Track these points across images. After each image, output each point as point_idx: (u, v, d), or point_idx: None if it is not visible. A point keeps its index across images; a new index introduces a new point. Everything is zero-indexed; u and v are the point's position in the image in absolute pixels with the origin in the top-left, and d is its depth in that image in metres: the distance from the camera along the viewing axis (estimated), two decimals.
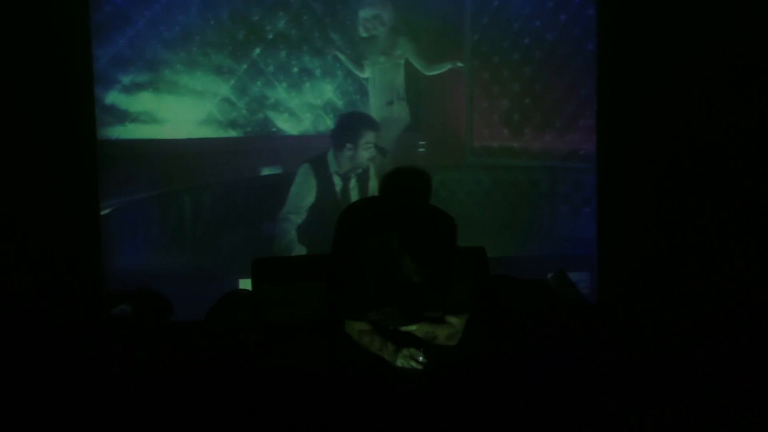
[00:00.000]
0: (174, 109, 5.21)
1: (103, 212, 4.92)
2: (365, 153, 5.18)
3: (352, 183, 5.24)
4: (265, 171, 5.39)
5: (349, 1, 5.39)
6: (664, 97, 4.82)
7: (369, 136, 5.17)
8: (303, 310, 3.44)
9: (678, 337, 3.01)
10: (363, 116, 5.33)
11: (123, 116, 5.10)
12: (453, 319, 3.26)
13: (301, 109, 5.38)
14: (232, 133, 5.32)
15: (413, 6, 5.42)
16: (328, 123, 5.37)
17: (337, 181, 5.22)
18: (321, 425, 2.87)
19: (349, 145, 5.18)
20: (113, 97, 5.09)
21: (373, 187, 5.22)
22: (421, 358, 3.03)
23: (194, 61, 5.20)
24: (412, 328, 3.20)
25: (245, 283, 4.26)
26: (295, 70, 5.34)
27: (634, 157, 4.92)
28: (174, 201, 5.16)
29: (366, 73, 5.45)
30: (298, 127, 5.40)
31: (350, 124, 5.26)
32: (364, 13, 5.40)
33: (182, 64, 5.19)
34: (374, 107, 5.44)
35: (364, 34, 5.41)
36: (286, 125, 5.38)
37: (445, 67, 5.49)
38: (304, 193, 5.23)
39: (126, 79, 5.10)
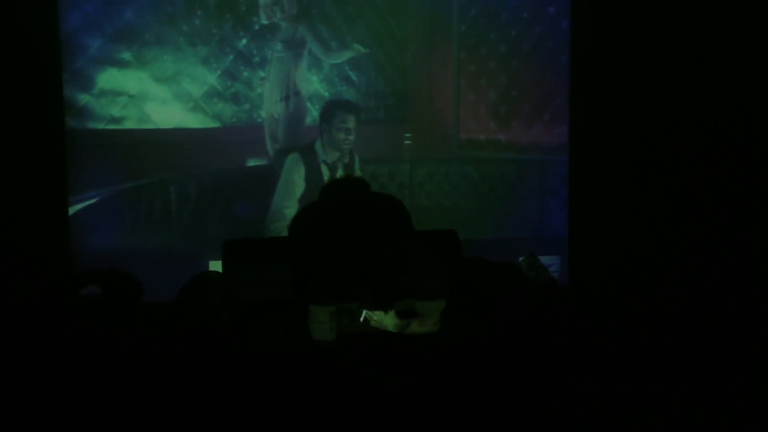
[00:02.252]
0: (160, 99, 5.19)
1: (77, 200, 4.90)
2: (340, 134, 5.14)
3: (339, 172, 5.23)
4: (251, 162, 5.37)
5: None
6: (636, 88, 4.95)
7: (341, 116, 5.15)
8: (274, 290, 3.42)
9: (648, 319, 3.00)
10: (342, 102, 5.29)
11: (106, 105, 5.09)
12: (426, 305, 3.24)
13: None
14: (218, 124, 5.30)
15: None
16: (314, 114, 5.34)
17: (325, 171, 5.20)
18: (294, 404, 2.86)
19: (325, 128, 5.16)
20: (101, 83, 5.08)
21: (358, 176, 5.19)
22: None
23: (181, 51, 5.18)
24: (384, 319, 3.21)
25: (215, 265, 4.25)
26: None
27: (605, 145, 5.02)
28: (155, 191, 5.15)
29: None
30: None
31: (324, 108, 5.26)
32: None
33: (168, 54, 5.18)
34: (268, 101, 5.34)
35: (264, 21, 5.30)
36: None
37: (346, 56, 5.40)
38: (293, 183, 5.21)
39: (113, 69, 5.09)
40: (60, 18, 4.86)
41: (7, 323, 3.12)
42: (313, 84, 5.37)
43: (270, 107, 5.33)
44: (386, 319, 3.26)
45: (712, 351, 2.79)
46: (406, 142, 5.50)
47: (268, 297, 3.45)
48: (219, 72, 5.26)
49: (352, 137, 5.18)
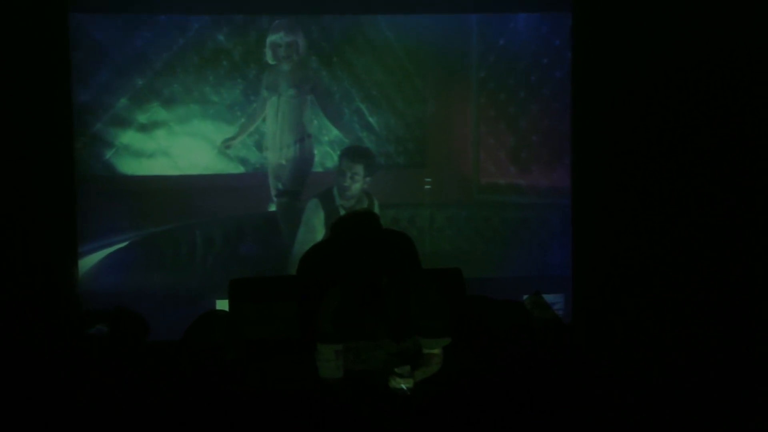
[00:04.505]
0: (185, 145, 5.32)
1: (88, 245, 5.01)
2: (345, 181, 5.20)
3: None
4: (272, 207, 5.45)
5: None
6: (636, 126, 4.88)
7: (356, 168, 5.20)
8: (280, 329, 3.44)
9: (653, 357, 2.95)
10: (350, 149, 5.35)
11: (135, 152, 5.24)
12: (430, 342, 3.23)
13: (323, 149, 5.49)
14: (242, 169, 5.39)
15: (420, 43, 5.47)
16: (335, 159, 5.41)
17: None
18: None
19: (341, 179, 5.23)
20: (128, 136, 5.23)
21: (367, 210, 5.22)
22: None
23: (207, 100, 5.31)
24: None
25: (222, 304, 4.28)
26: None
27: (606, 183, 4.97)
28: (171, 238, 5.26)
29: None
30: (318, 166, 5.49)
31: (341, 158, 5.31)
32: (275, 38, 5.30)
33: (195, 102, 5.31)
34: (281, 143, 5.39)
35: (272, 61, 5.35)
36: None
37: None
38: (313, 228, 5.26)
39: (143, 118, 5.23)
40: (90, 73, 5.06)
41: (14, 361, 3.16)
42: (333, 130, 5.45)
43: (278, 151, 5.38)
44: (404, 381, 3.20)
45: (722, 391, 2.72)
46: (426, 186, 5.53)
47: (274, 335, 3.45)
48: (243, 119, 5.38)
49: (357, 185, 5.22)
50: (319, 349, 3.21)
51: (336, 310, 3.22)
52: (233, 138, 5.33)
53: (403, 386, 3.05)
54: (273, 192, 5.41)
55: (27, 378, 3.07)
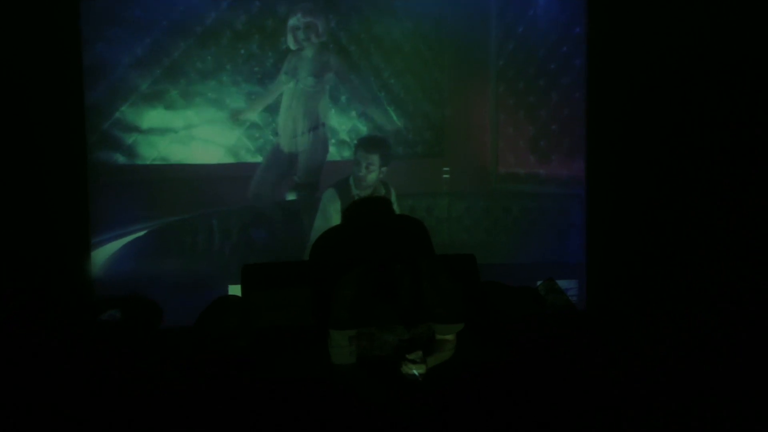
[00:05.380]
0: (205, 135, 5.31)
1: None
2: (372, 175, 5.17)
3: None
4: (290, 196, 5.43)
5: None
6: (653, 114, 4.94)
7: (371, 158, 5.17)
8: (293, 315, 3.42)
9: (666, 343, 2.91)
10: (365, 139, 5.34)
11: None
12: (444, 328, 3.20)
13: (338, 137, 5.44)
14: (259, 159, 5.39)
15: (438, 32, 5.43)
16: (352, 148, 5.39)
17: None
18: (312, 430, 2.83)
19: (356, 168, 5.21)
20: (147, 123, 5.24)
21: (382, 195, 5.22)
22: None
23: (224, 90, 5.31)
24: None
25: (234, 289, 4.28)
26: (343, 99, 5.42)
27: (621, 170, 5.01)
28: (188, 227, 5.26)
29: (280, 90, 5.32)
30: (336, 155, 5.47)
31: (357, 148, 5.30)
32: (293, 21, 5.24)
33: (213, 92, 5.31)
34: (297, 132, 5.35)
35: (293, 46, 5.30)
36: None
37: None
38: (329, 217, 5.24)
39: (159, 107, 5.24)
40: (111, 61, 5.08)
41: (28, 348, 3.17)
42: (352, 119, 5.42)
43: (290, 139, 5.36)
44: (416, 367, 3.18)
45: (734, 374, 2.68)
46: (444, 176, 5.49)
47: (287, 322, 3.44)
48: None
49: (372, 175, 5.19)
50: (332, 335, 3.20)
51: (350, 296, 3.20)
52: (241, 112, 5.31)
53: (415, 372, 3.03)
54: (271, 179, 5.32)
55: (40, 364, 3.09)
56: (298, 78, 5.33)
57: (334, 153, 5.44)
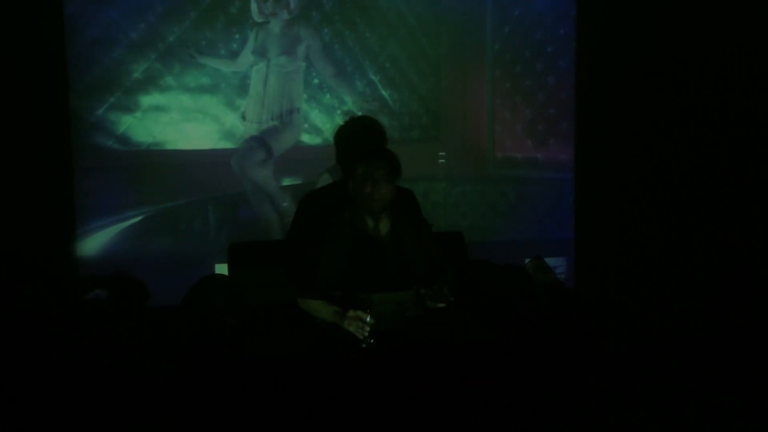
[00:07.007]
0: (197, 122, 5.27)
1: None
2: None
3: None
4: (286, 181, 5.39)
5: None
6: (642, 97, 4.97)
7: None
8: (280, 293, 3.39)
9: (653, 320, 2.89)
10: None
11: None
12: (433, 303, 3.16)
13: (321, 120, 5.38)
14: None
15: (434, 15, 5.39)
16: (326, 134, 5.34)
17: None
18: (299, 408, 2.82)
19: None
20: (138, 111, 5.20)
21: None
22: (368, 319, 2.95)
23: (219, 76, 5.27)
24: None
25: (221, 268, 4.24)
26: (316, 81, 5.35)
27: (610, 148, 5.04)
28: (181, 212, 5.21)
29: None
30: (317, 138, 5.40)
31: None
32: None
33: (208, 77, 5.27)
34: (264, 116, 5.19)
35: (258, 18, 5.00)
36: (306, 137, 5.39)
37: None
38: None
39: (156, 93, 5.20)
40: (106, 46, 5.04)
41: (12, 328, 3.15)
42: (347, 103, 5.38)
43: (259, 125, 5.21)
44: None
45: (718, 352, 2.66)
46: (441, 161, 5.45)
47: (274, 300, 3.42)
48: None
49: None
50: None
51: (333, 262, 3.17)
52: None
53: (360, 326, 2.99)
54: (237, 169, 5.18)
55: (26, 344, 3.07)
56: (269, 57, 5.14)
57: (329, 138, 5.39)
